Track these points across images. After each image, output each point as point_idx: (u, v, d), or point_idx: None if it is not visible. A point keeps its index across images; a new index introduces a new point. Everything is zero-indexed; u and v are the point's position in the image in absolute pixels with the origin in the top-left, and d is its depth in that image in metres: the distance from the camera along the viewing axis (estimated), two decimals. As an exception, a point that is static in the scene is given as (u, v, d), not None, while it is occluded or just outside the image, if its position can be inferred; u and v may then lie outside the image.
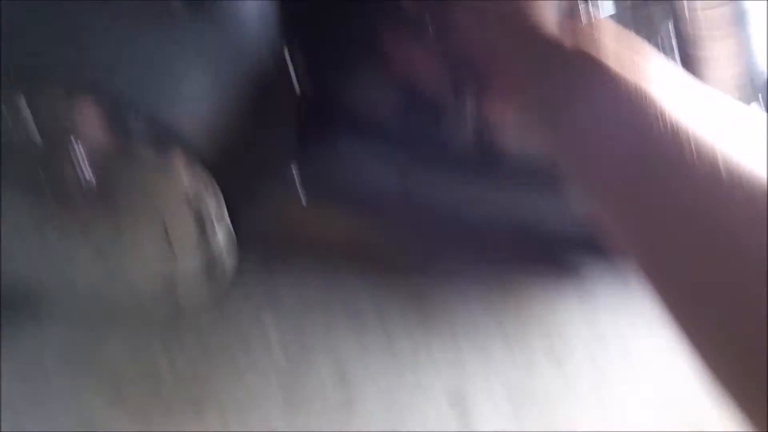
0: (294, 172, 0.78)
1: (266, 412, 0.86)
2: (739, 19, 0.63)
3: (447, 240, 1.16)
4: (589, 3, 0.46)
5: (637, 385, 0.93)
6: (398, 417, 0.86)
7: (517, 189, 0.87)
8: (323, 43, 0.75)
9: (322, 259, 1.09)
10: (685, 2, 0.62)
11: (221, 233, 0.67)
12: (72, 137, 0.55)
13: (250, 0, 0.58)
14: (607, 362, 0.95)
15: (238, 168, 0.62)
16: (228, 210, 0.64)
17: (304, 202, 0.80)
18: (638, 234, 0.40)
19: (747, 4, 0.63)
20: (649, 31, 0.63)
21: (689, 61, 0.64)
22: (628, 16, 0.62)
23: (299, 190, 0.80)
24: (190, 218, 0.63)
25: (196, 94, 0.57)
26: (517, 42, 0.44)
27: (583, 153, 0.42)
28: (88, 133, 0.55)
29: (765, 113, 0.65)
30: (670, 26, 0.63)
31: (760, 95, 0.65)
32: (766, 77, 0.65)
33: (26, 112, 0.51)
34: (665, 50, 0.64)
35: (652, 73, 0.41)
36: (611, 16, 0.54)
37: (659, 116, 0.38)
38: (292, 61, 0.75)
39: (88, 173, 0.57)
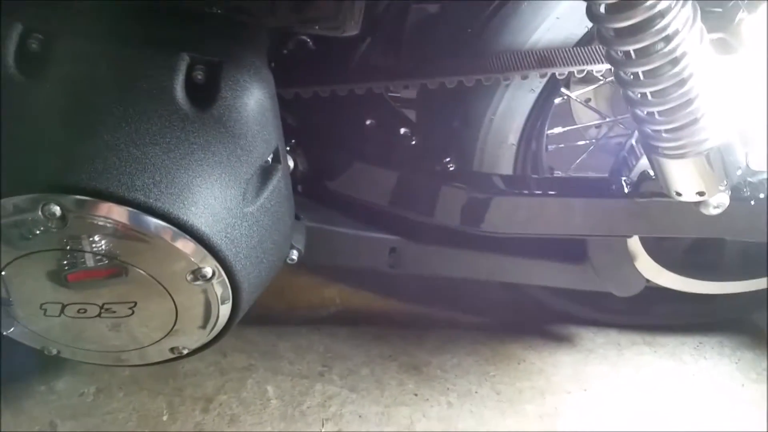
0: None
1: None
2: None
3: (441, 308, 1.23)
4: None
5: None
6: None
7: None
8: (317, 139, 0.84)
9: (321, 326, 1.17)
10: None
11: (225, 311, 0.73)
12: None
13: (251, 103, 0.66)
14: (596, 419, 1.00)
15: (248, 257, 0.69)
16: (234, 289, 0.70)
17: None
18: None
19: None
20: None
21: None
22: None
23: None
24: (199, 300, 0.69)
25: (205, 188, 0.64)
26: None
27: None
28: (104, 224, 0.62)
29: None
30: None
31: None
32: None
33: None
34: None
35: None
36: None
37: None
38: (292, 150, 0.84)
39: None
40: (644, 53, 0.58)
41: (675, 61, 0.58)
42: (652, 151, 0.69)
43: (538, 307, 1.16)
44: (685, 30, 0.57)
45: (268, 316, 1.19)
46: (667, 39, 0.57)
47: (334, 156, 0.86)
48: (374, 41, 0.76)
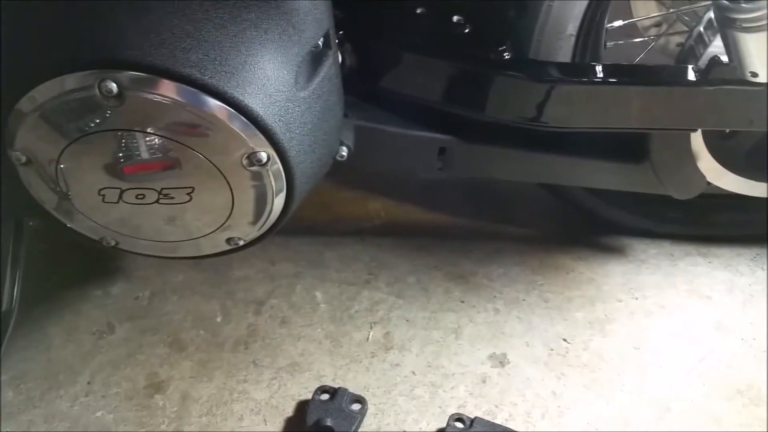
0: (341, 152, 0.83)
1: (316, 369, 0.93)
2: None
3: (486, 220, 1.21)
4: None
5: (677, 347, 0.96)
6: (441, 375, 0.92)
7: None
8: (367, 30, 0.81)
9: (366, 237, 1.17)
10: None
11: (279, 201, 0.72)
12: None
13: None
14: (647, 325, 0.99)
15: (301, 144, 0.68)
16: (288, 177, 0.69)
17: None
18: None
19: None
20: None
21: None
22: None
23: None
24: (254, 187, 0.69)
25: (258, 67, 0.63)
26: None
27: None
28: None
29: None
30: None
31: None
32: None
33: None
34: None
35: None
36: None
37: None
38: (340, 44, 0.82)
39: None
40: None
41: None
42: (728, 25, 0.64)
43: (587, 219, 1.14)
44: None
45: (313, 227, 1.19)
46: None
47: (383, 48, 0.84)
48: None
